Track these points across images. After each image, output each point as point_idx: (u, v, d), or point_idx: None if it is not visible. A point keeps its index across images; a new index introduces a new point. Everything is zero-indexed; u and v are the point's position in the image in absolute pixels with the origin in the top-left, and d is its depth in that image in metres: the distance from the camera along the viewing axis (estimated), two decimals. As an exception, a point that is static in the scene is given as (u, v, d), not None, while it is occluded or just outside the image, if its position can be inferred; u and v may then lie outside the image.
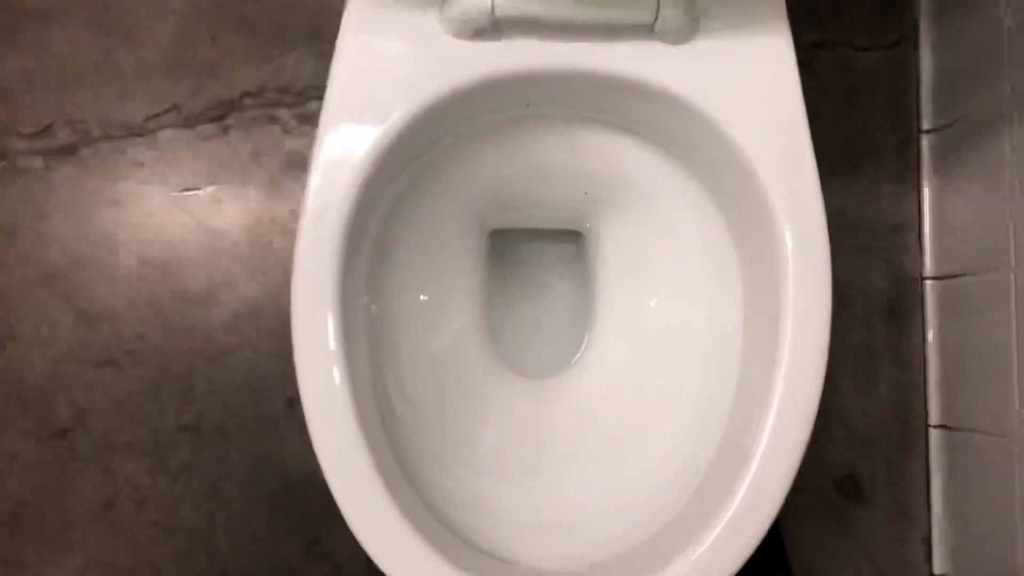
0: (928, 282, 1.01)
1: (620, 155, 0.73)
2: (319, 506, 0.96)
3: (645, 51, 0.63)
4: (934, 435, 1.00)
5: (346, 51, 0.62)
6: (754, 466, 0.60)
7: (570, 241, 0.90)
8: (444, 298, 0.77)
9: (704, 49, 0.63)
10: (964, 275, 0.95)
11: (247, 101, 0.98)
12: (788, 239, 0.62)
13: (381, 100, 0.61)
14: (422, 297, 0.75)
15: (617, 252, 0.80)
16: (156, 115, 0.97)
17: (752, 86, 0.63)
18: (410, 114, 0.61)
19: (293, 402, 0.96)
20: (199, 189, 0.97)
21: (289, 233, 0.96)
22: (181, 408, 0.96)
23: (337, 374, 0.60)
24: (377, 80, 0.62)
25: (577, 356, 0.84)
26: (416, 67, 0.62)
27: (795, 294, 0.62)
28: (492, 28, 0.62)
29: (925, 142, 1.01)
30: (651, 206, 0.75)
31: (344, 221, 0.60)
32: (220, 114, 0.98)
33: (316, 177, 0.61)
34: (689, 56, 0.63)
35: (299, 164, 0.97)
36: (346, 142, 0.61)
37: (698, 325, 0.74)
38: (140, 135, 0.97)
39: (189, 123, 0.97)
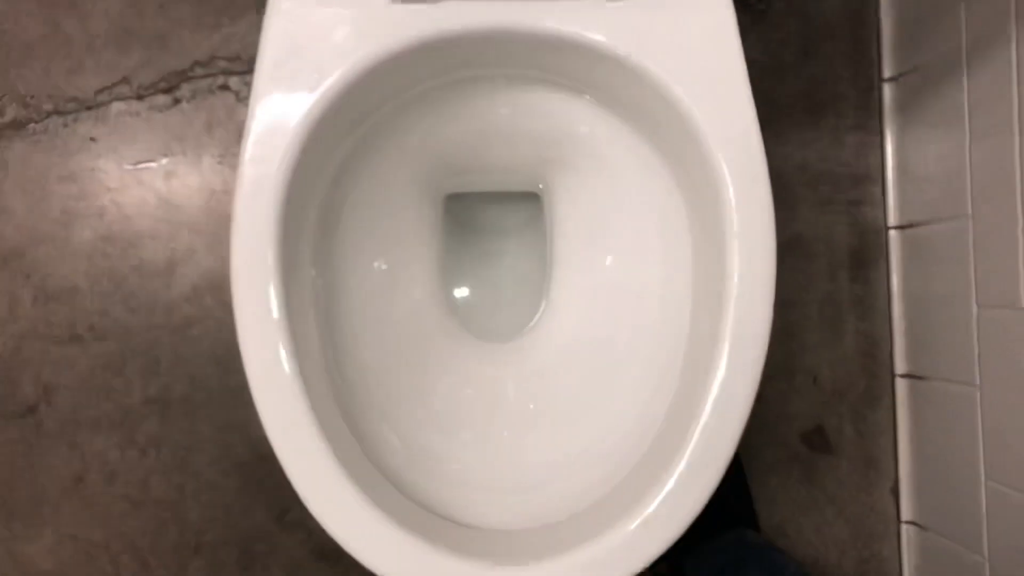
0: (892, 232, 1.01)
1: (567, 115, 0.73)
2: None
3: (581, 7, 0.61)
4: (900, 385, 1.01)
5: (277, 15, 0.61)
6: (705, 416, 0.60)
7: (527, 203, 0.89)
8: (399, 264, 0.77)
9: (641, 3, 0.62)
10: (926, 223, 0.94)
11: (198, 70, 0.96)
12: (731, 192, 0.61)
13: (315, 65, 0.60)
14: (376, 264, 0.75)
15: (571, 212, 0.80)
16: (107, 88, 0.96)
17: (690, 40, 0.62)
18: (345, 79, 0.60)
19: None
20: (153, 162, 0.96)
21: (246, 203, 0.96)
22: (147, 381, 0.96)
23: (280, 345, 0.59)
24: (310, 45, 0.61)
25: (536, 318, 0.84)
26: (349, 31, 0.61)
27: (740, 246, 0.61)
28: (425, -11, 0.61)
29: (887, 90, 1.01)
30: (601, 165, 0.75)
31: (281, 190, 0.60)
32: (171, 85, 0.96)
33: (250, 146, 0.60)
34: (626, 11, 0.62)
35: (253, 133, 0.96)
36: (279, 109, 0.60)
37: (651, 281, 0.74)
38: (91, 108, 0.96)
39: (140, 95, 0.96)
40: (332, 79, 0.60)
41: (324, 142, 0.63)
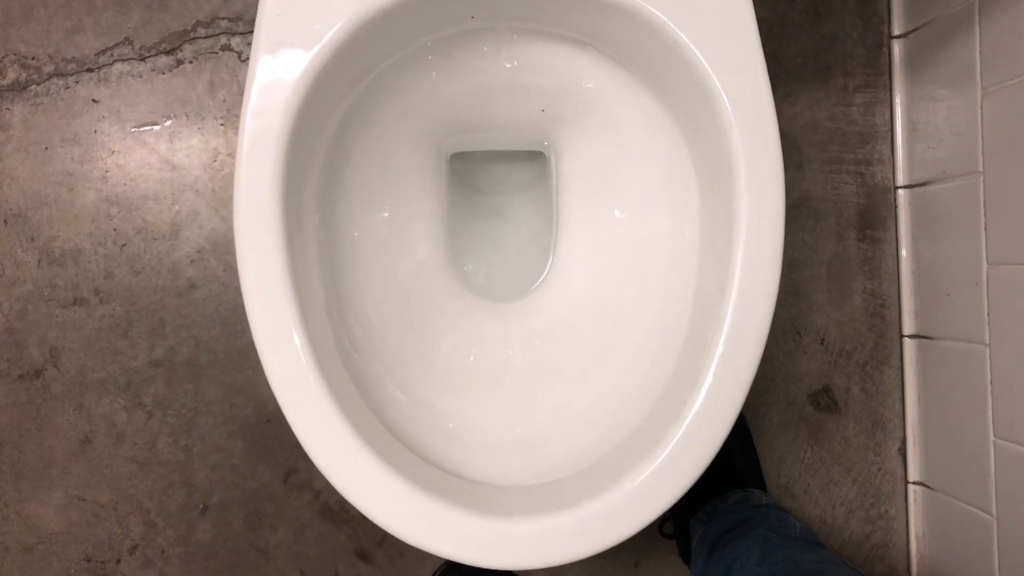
0: (901, 191, 1.00)
1: (572, 69, 0.72)
2: (295, 436, 0.96)
3: (586, -45, 0.61)
4: (908, 345, 1.00)
5: (278, -32, 0.60)
6: (711, 373, 0.60)
7: (533, 163, 0.88)
8: (403, 221, 0.77)
9: (647, -49, 0.61)
10: (936, 182, 0.93)
11: (200, 31, 0.95)
12: (740, 146, 0.60)
13: (316, 17, 0.60)
14: (379, 220, 0.74)
15: (577, 169, 0.79)
16: (108, 49, 0.95)
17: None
18: (346, 30, 0.59)
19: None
20: (156, 124, 0.96)
21: (249, 164, 0.95)
22: (152, 344, 0.96)
23: (285, 299, 0.59)
24: (310, -4, 0.60)
25: (542, 277, 0.83)
26: (351, -19, 0.60)
27: (748, 201, 0.60)
28: (427, -63, 0.59)
29: (896, 48, 0.99)
30: (607, 119, 0.74)
31: (284, 142, 0.59)
32: (173, 46, 0.95)
33: (253, 98, 0.59)
34: (632, -41, 0.61)
35: (256, 94, 0.95)
36: (281, 62, 0.59)
37: (658, 238, 0.73)
38: (93, 70, 0.95)
39: (142, 56, 0.95)
40: (333, 31, 0.59)
41: (326, 95, 0.62)
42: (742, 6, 0.61)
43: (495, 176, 0.90)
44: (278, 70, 0.59)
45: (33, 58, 0.95)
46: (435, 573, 0.97)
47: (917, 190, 0.97)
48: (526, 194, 0.89)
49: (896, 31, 0.99)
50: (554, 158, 0.81)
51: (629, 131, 0.73)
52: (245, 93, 0.59)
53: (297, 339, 0.59)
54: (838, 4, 0.99)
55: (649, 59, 0.66)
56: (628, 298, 0.75)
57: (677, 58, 0.61)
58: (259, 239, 0.59)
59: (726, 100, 0.60)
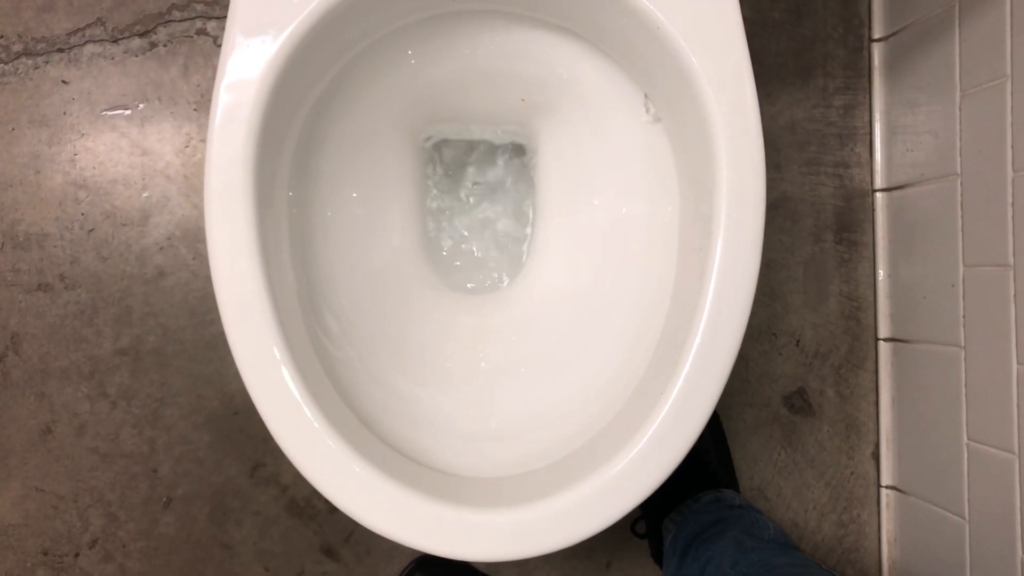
0: (878, 194, 1.00)
1: (554, 56, 0.71)
2: (263, 429, 0.93)
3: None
4: (883, 348, 1.00)
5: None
6: (687, 366, 0.59)
7: (513, 153, 0.87)
8: (379, 208, 0.75)
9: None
10: (914, 185, 0.94)
11: (175, 13, 0.94)
12: (720, 132, 0.59)
13: (292, -7, 0.58)
14: (354, 204, 0.73)
15: (558, 159, 0.78)
16: (80, 29, 0.93)
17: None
18: (325, 6, 0.58)
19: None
20: (128, 108, 0.94)
21: (222, 150, 0.93)
22: (118, 332, 0.94)
23: (255, 280, 0.57)
24: (287, -28, 0.59)
25: (519, 269, 0.82)
26: (328, -42, 0.59)
27: (728, 188, 0.59)
28: (408, -86, 0.59)
29: (876, 51, 0.99)
30: (588, 108, 0.73)
31: (258, 117, 0.58)
32: (147, 28, 0.94)
33: (227, 72, 0.58)
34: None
35: (231, 79, 0.93)
36: (257, 36, 0.58)
37: (637, 227, 0.73)
38: (63, 50, 0.93)
39: (115, 38, 0.93)
40: (312, 6, 0.58)
41: (302, 72, 0.61)
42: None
43: (474, 166, 0.88)
44: (254, 44, 0.58)
45: (1, 36, 0.93)
46: (403, 571, 0.95)
47: (895, 193, 0.97)
48: (505, 185, 0.88)
49: (876, 34, 0.99)
50: (534, 148, 0.80)
51: (610, 121, 0.72)
52: (219, 66, 0.58)
53: (267, 320, 0.57)
54: (820, 5, 0.99)
55: (632, 46, 0.65)
56: (606, 290, 0.74)
57: (660, 44, 0.61)
58: (230, 217, 0.57)
59: (708, 87, 0.59)
